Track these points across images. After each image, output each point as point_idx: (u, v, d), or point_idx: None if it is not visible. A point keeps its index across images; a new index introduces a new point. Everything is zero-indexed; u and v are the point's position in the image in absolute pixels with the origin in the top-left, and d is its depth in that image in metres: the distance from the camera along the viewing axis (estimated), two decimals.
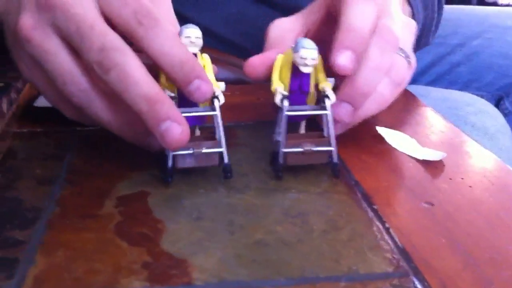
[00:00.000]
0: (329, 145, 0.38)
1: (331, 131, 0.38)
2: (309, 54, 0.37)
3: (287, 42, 0.44)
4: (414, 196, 0.37)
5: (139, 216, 0.34)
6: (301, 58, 0.37)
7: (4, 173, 0.39)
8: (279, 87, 0.39)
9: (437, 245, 0.31)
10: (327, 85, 0.39)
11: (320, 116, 0.39)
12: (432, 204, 0.36)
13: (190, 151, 0.36)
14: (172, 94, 0.37)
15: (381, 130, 0.46)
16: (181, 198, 0.36)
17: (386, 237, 0.32)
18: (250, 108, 0.52)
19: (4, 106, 0.44)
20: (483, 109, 0.63)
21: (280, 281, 0.28)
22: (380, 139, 0.45)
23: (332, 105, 0.39)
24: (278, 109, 0.39)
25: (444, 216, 0.34)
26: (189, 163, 0.37)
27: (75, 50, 0.36)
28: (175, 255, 0.30)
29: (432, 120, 0.51)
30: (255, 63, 0.43)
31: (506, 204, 0.36)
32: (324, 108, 0.38)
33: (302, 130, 0.41)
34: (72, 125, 0.47)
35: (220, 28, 0.70)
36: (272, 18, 0.72)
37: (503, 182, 0.40)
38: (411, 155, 0.43)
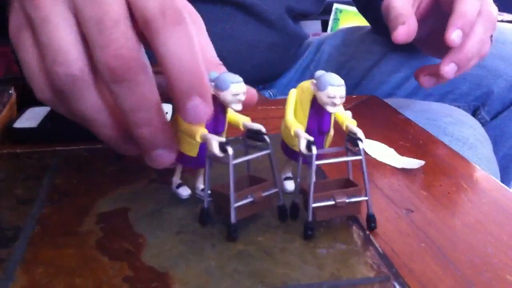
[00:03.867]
0: (364, 194, 0.34)
1: (366, 178, 0.33)
2: (338, 91, 0.32)
3: (411, 8, 0.54)
4: (394, 204, 0.37)
5: (120, 231, 0.34)
6: (329, 97, 0.32)
7: None
8: (300, 130, 0.33)
9: (417, 250, 0.32)
10: (352, 122, 0.34)
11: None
12: (412, 211, 0.36)
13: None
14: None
15: None
16: (162, 213, 0.36)
17: (367, 243, 0.32)
18: None
19: None
20: (461, 119, 0.64)
21: None
22: None
23: (441, 63, 0.51)
24: (291, 152, 0.34)
25: (424, 221, 0.35)
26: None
27: (80, 30, 0.32)
28: (157, 269, 0.30)
29: (410, 130, 0.52)
30: (404, 33, 0.52)
31: (484, 209, 0.37)
32: (357, 153, 0.33)
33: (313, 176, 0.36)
34: (52, 146, 0.47)
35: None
36: (260, 34, 0.73)
37: (481, 188, 0.40)
38: (390, 164, 0.43)
